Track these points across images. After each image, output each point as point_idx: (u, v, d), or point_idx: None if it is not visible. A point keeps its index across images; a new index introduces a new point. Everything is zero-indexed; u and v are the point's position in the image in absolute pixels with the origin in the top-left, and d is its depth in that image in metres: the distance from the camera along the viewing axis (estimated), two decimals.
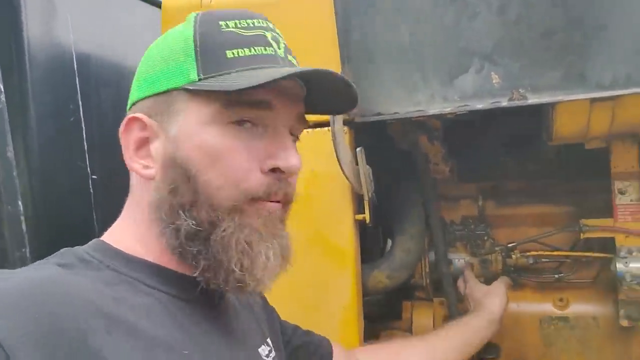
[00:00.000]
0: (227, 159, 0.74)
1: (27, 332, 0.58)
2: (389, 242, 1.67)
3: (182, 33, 0.78)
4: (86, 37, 1.57)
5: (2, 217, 1.33)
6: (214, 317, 0.81)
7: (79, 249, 0.77)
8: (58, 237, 1.38)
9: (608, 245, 1.49)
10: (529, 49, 1.14)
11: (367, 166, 1.25)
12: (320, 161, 1.29)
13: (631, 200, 1.41)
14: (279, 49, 0.79)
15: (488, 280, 1.63)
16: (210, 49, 0.75)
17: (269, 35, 0.79)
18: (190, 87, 0.75)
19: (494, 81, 1.13)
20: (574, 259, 1.59)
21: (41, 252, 1.27)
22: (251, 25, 0.78)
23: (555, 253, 1.60)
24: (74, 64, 1.49)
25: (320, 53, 1.30)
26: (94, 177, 1.53)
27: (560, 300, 1.61)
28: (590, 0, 1.11)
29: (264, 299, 1.06)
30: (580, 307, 1.59)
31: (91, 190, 1.53)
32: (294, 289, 1.35)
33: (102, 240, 0.79)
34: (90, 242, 0.79)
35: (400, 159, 1.60)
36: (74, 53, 1.52)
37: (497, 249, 1.63)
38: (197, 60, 0.75)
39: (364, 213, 1.30)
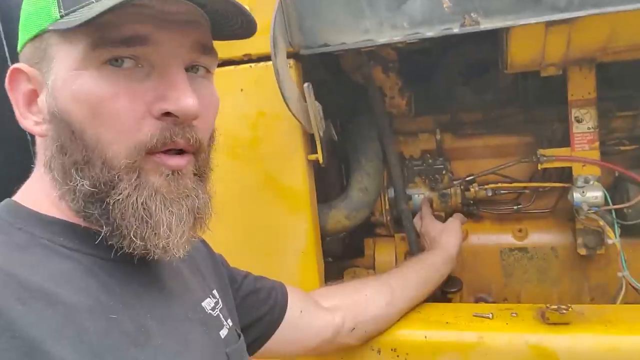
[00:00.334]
0: (108, 107, 0.65)
1: None
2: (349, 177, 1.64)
3: None
4: None
5: None
6: (144, 275, 0.75)
7: None
8: None
9: (566, 175, 1.48)
10: None
11: (317, 103, 1.19)
12: (267, 100, 1.23)
13: (588, 129, 1.39)
14: None
15: (448, 215, 1.63)
16: None
17: None
18: (51, 27, 0.66)
19: (444, 5, 1.07)
20: (532, 190, 1.59)
21: None
22: None
23: (513, 185, 1.59)
24: None
25: None
26: None
27: (520, 231, 1.62)
28: None
29: (207, 246, 1.01)
30: (539, 237, 1.60)
31: (28, 137, 1.43)
32: (248, 236, 1.33)
33: (14, 200, 0.73)
34: (0, 203, 0.72)
35: (355, 94, 1.54)
36: None
37: (455, 182, 1.61)
38: None
39: (317, 153, 1.25)
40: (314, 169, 1.35)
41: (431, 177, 1.63)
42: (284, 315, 1.08)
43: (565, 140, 1.45)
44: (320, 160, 1.25)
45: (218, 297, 0.90)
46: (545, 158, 1.43)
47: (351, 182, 1.55)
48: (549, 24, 1.09)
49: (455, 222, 1.52)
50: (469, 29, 1.07)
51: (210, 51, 0.74)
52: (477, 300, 1.63)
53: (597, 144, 1.39)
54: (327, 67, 1.43)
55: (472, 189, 1.59)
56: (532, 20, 1.04)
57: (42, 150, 0.72)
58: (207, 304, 0.86)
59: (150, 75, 0.68)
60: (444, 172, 1.62)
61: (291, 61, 1.20)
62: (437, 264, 1.39)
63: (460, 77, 1.61)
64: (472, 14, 1.06)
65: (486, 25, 1.07)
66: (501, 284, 1.63)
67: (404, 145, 1.70)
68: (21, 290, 0.59)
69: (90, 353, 0.60)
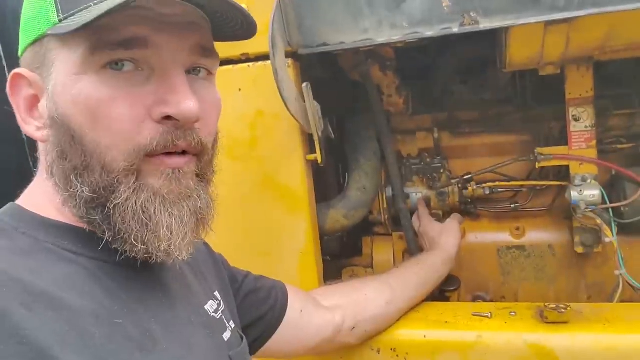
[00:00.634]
0: (108, 111, 0.64)
1: None
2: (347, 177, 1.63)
3: None
4: None
5: None
6: (148, 279, 0.75)
7: None
8: None
9: (563, 173, 1.49)
10: None
11: (316, 102, 1.18)
12: (265, 99, 1.22)
13: (585, 127, 1.39)
14: None
15: (445, 213, 1.62)
16: None
17: None
18: (50, 32, 0.65)
19: (443, 5, 1.06)
20: (530, 188, 1.59)
21: None
22: None
23: (510, 183, 1.59)
24: None
25: None
26: None
27: (517, 229, 1.62)
28: None
29: (208, 247, 1.00)
30: (536, 236, 1.61)
31: (24, 137, 1.42)
32: (247, 235, 1.32)
33: (17, 205, 0.72)
34: (4, 207, 0.72)
35: (353, 92, 1.54)
36: None
37: (453, 181, 1.61)
38: None
39: (316, 153, 1.25)
40: (312, 168, 1.34)
41: (429, 175, 1.62)
42: (285, 314, 1.07)
43: (562, 138, 1.45)
44: (319, 160, 1.25)
45: (220, 298, 0.90)
46: (542, 156, 1.44)
47: (349, 182, 1.55)
48: (548, 23, 1.08)
49: (453, 223, 1.52)
50: (468, 28, 1.07)
51: (210, 53, 0.73)
52: (475, 299, 1.63)
53: (594, 142, 1.40)
54: (324, 65, 1.42)
55: (469, 188, 1.59)
56: (532, 20, 1.04)
57: (44, 156, 0.72)
58: (210, 306, 0.85)
59: (150, 78, 0.67)
60: (441, 170, 1.62)
61: (289, 60, 1.19)
62: (437, 265, 1.39)
63: (457, 75, 1.60)
64: (471, 14, 1.05)
65: (485, 24, 1.06)
66: (499, 282, 1.63)
67: (402, 144, 1.70)
68: (26, 295, 0.58)
69: (95, 358, 0.60)
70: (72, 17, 0.63)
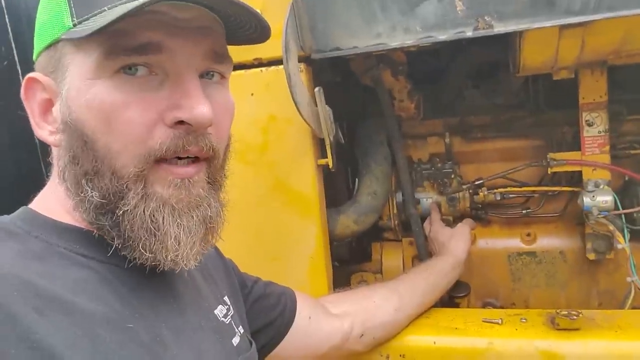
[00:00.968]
0: (120, 115, 0.64)
1: None
2: (357, 182, 1.63)
3: None
4: None
5: None
6: (158, 284, 0.74)
7: (4, 218, 0.70)
8: (3, 194, 1.30)
9: (575, 179, 1.47)
10: None
11: (327, 107, 1.18)
12: (277, 104, 1.22)
13: (599, 132, 1.38)
14: None
15: (456, 219, 1.61)
16: None
17: None
18: (64, 36, 0.65)
19: (457, 9, 1.05)
20: (542, 194, 1.57)
21: None
22: None
23: (522, 189, 1.58)
24: (1, 1, 1.35)
25: None
26: None
27: (528, 235, 1.60)
28: None
29: (218, 252, 1.00)
30: (548, 242, 1.59)
31: (36, 141, 1.42)
32: (258, 240, 1.32)
33: (30, 208, 0.72)
34: (17, 211, 0.72)
35: (363, 97, 1.54)
36: None
37: (464, 186, 1.60)
38: (68, 2, 0.65)
39: (327, 157, 1.24)
40: (323, 173, 1.34)
41: (440, 181, 1.61)
42: (293, 321, 1.07)
43: (575, 143, 1.44)
44: (330, 165, 1.24)
45: (229, 303, 0.90)
46: (555, 162, 1.42)
47: (360, 187, 1.54)
48: (563, 27, 1.08)
49: (464, 227, 1.51)
50: (482, 32, 1.06)
51: (224, 58, 0.73)
52: (485, 305, 1.62)
53: (607, 147, 1.38)
54: (334, 70, 1.42)
55: (480, 193, 1.58)
56: (547, 24, 1.03)
57: (57, 160, 0.72)
58: (220, 311, 0.85)
59: (164, 83, 0.67)
60: (452, 176, 1.61)
61: (302, 65, 1.19)
62: (446, 270, 1.38)
63: (469, 80, 1.60)
64: (485, 17, 1.05)
65: (500, 28, 1.06)
66: (509, 289, 1.62)
67: (413, 149, 1.69)
68: (38, 299, 0.58)
69: None
70: (86, 22, 0.63)
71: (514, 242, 1.62)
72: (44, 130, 0.70)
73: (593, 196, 1.36)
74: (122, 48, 0.63)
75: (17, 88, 1.38)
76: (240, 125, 1.26)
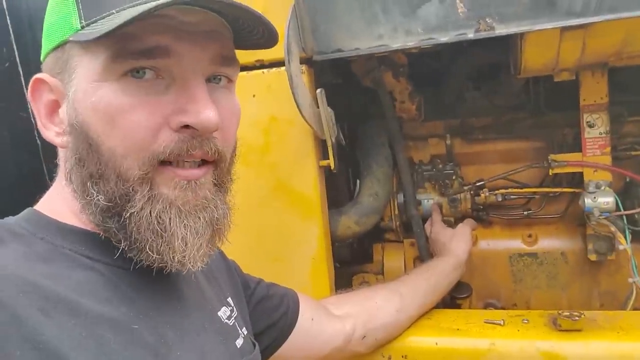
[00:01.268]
0: (125, 118, 0.64)
1: None
2: (359, 183, 1.63)
3: None
4: None
5: None
6: (163, 285, 0.75)
7: (9, 219, 0.70)
8: (5, 195, 1.30)
9: (577, 180, 1.48)
10: None
11: (329, 108, 1.18)
12: (279, 105, 1.22)
13: (600, 134, 1.38)
14: None
15: (457, 220, 1.62)
16: None
17: None
18: (72, 38, 0.65)
19: (459, 10, 1.06)
20: (543, 195, 1.57)
21: None
22: None
23: (523, 190, 1.58)
24: (2, 3, 1.35)
25: None
26: None
27: (529, 236, 1.61)
28: None
29: (221, 253, 1.00)
30: (549, 243, 1.59)
31: (38, 142, 1.43)
32: (260, 241, 1.32)
33: (35, 210, 0.72)
34: (22, 212, 0.72)
35: (364, 98, 1.54)
36: None
37: (465, 187, 1.60)
38: (77, 4, 0.65)
39: (329, 158, 1.24)
40: (324, 174, 1.34)
41: (441, 182, 1.62)
42: (296, 322, 1.07)
43: (576, 145, 1.44)
44: (332, 166, 1.25)
45: (233, 304, 0.90)
46: (556, 163, 1.43)
47: (361, 188, 1.54)
48: (564, 29, 1.08)
49: (465, 228, 1.51)
50: (483, 34, 1.06)
51: (231, 62, 0.73)
52: (487, 306, 1.62)
53: (608, 149, 1.38)
54: (335, 71, 1.42)
55: (482, 194, 1.58)
56: (548, 26, 1.03)
57: (63, 162, 0.72)
58: (223, 312, 0.85)
59: (170, 87, 0.67)
60: (453, 177, 1.61)
61: (304, 67, 1.20)
62: (447, 271, 1.38)
63: (470, 81, 1.60)
64: (487, 19, 1.05)
65: (501, 30, 1.06)
66: (510, 290, 1.62)
67: (414, 150, 1.69)
68: (43, 300, 0.59)
69: None
70: (94, 24, 0.63)
71: (515, 243, 1.62)
72: (51, 132, 0.70)
73: (594, 197, 1.36)
74: (130, 51, 0.63)
75: (18, 89, 1.39)
76: (241, 126, 1.26)
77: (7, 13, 1.36)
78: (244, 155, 1.26)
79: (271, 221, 1.31)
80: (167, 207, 0.67)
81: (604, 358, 1.11)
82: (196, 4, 0.65)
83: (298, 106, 1.08)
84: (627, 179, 1.45)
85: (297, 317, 1.08)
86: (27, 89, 1.38)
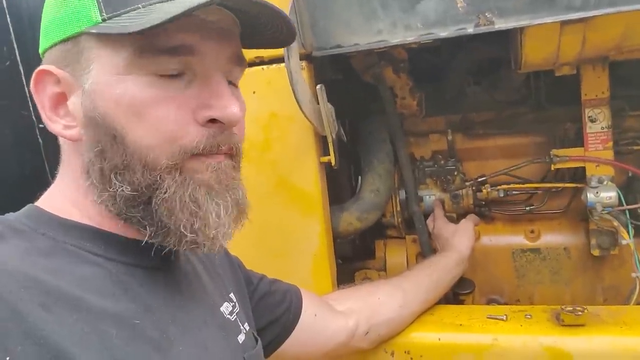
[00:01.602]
0: (154, 111, 0.65)
1: None
2: (360, 179, 1.63)
3: None
4: None
5: None
6: (166, 280, 0.75)
7: (10, 216, 0.70)
8: (7, 193, 1.31)
9: (579, 175, 1.47)
10: None
11: (329, 104, 1.18)
12: (279, 101, 1.22)
13: (602, 128, 1.38)
14: None
15: (460, 216, 1.61)
16: None
17: None
18: (94, 31, 0.64)
19: (458, 5, 1.05)
20: (545, 190, 1.57)
21: None
22: None
23: (525, 185, 1.58)
24: (2, 2, 1.35)
25: None
26: (41, 125, 1.42)
27: (532, 232, 1.60)
28: None
29: (224, 249, 1.00)
30: (552, 238, 1.59)
31: (40, 140, 1.43)
32: (262, 238, 1.32)
33: (36, 206, 0.72)
34: (23, 209, 0.72)
35: (366, 94, 1.54)
36: None
37: (467, 183, 1.60)
38: None
39: (329, 155, 1.24)
40: (325, 170, 1.34)
41: (443, 178, 1.62)
42: (299, 318, 1.07)
43: (578, 140, 1.44)
44: (333, 162, 1.25)
45: (235, 300, 0.90)
46: (558, 158, 1.42)
47: (363, 184, 1.54)
48: (564, 23, 1.07)
49: (467, 223, 1.51)
50: (483, 28, 1.06)
51: (243, 61, 0.75)
52: (490, 302, 1.62)
53: (610, 143, 1.38)
54: (335, 67, 1.42)
55: (484, 190, 1.58)
56: (548, 20, 1.03)
57: (70, 154, 0.72)
58: (225, 308, 0.85)
59: (192, 83, 0.68)
60: (455, 173, 1.61)
61: (303, 63, 1.20)
62: (450, 266, 1.38)
63: (471, 76, 1.60)
64: (486, 14, 1.05)
65: (501, 25, 1.06)
66: (514, 286, 1.62)
67: (415, 146, 1.69)
68: (45, 295, 0.59)
69: (113, 359, 0.60)
70: (117, 18, 0.64)
71: (517, 239, 1.62)
72: (57, 125, 0.69)
73: (597, 192, 1.35)
74: (156, 48, 0.64)
75: (19, 88, 1.39)
76: None
77: (7, 12, 1.36)
78: (245, 152, 1.27)
79: (272, 218, 1.31)
80: (199, 188, 0.68)
81: (607, 353, 1.11)
82: (228, 5, 0.67)
83: (298, 102, 1.08)
84: (630, 174, 1.44)
85: (300, 313, 1.08)
86: (27, 87, 1.39)
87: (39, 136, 1.42)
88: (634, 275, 1.28)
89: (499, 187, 1.58)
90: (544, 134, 1.57)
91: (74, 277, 0.63)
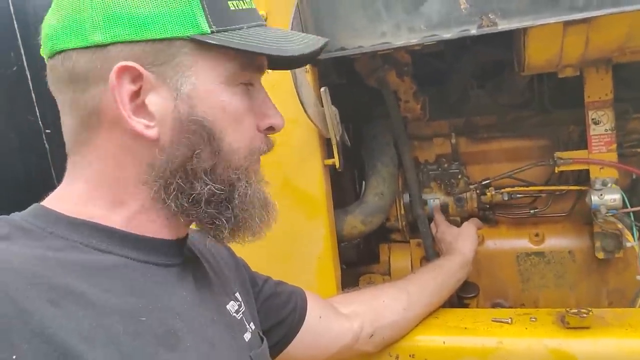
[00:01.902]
0: (247, 118, 0.75)
1: None
2: (364, 183, 1.63)
3: None
4: None
5: None
6: (173, 277, 0.76)
7: (15, 216, 0.70)
8: (13, 198, 1.31)
9: (583, 177, 1.47)
10: None
11: (334, 107, 1.18)
12: (283, 104, 1.21)
13: (605, 130, 1.38)
14: None
15: (464, 219, 1.61)
16: None
17: None
18: (208, 40, 0.69)
19: (461, 7, 1.06)
20: (549, 193, 1.57)
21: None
22: None
23: (529, 188, 1.57)
24: (9, 7, 1.36)
25: None
26: (47, 131, 1.43)
27: (536, 235, 1.60)
28: None
29: (230, 250, 1.01)
30: (556, 241, 1.59)
31: (46, 146, 1.44)
32: (266, 240, 1.30)
33: (43, 205, 0.72)
34: (28, 208, 0.72)
35: (369, 98, 1.54)
36: None
37: (471, 187, 1.60)
38: (203, 8, 0.69)
39: (334, 157, 1.25)
40: (330, 173, 1.34)
41: (447, 181, 1.61)
42: (304, 320, 1.07)
43: (582, 142, 1.44)
44: (337, 165, 1.25)
45: (241, 299, 0.90)
46: (562, 161, 1.42)
47: (367, 188, 1.54)
48: (567, 23, 1.08)
49: (470, 226, 1.51)
50: (486, 30, 1.06)
51: None
52: (494, 306, 1.62)
53: (614, 146, 1.38)
54: (339, 71, 1.42)
55: (488, 193, 1.58)
56: (551, 20, 1.03)
57: (131, 155, 0.72)
58: (231, 306, 0.86)
59: (253, 95, 0.78)
60: (459, 176, 1.61)
61: (307, 66, 1.20)
62: (454, 269, 1.37)
63: (474, 80, 1.60)
64: (489, 15, 1.05)
65: (504, 26, 1.06)
66: (518, 289, 1.61)
67: (419, 150, 1.69)
68: (53, 291, 0.59)
69: (121, 355, 0.60)
70: (225, 33, 0.70)
71: (522, 243, 1.62)
72: (139, 124, 0.69)
73: (601, 194, 1.35)
74: (253, 66, 0.76)
75: (26, 93, 1.40)
76: None
77: (14, 18, 1.37)
78: None
79: (277, 220, 1.31)
80: (262, 185, 0.80)
81: (613, 355, 1.10)
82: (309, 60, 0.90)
83: (302, 105, 1.08)
84: (634, 176, 1.44)
85: (305, 315, 1.08)
86: (34, 92, 1.40)
87: (45, 141, 1.42)
88: (638, 277, 1.27)
89: (503, 190, 1.57)
90: (548, 137, 1.57)
91: (82, 273, 0.64)
